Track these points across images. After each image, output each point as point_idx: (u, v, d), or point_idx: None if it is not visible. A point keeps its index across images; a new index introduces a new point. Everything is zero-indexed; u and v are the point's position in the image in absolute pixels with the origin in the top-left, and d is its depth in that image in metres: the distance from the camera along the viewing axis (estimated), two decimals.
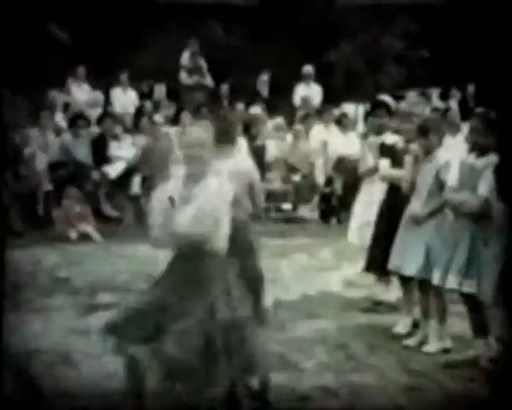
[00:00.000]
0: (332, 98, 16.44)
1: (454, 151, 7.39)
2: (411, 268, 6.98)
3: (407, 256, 7.03)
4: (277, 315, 8.02)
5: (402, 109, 8.45)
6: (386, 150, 8.03)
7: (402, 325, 7.49)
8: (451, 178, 6.72)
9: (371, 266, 7.98)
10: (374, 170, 8.34)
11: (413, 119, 7.62)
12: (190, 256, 5.01)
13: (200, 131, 5.26)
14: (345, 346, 7.04)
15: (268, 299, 8.47)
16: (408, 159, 7.37)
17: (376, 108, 8.72)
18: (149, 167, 13.34)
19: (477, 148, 6.55)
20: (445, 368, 6.44)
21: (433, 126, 7.12)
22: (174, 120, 14.98)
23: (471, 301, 6.54)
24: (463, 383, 6.17)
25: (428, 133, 7.01)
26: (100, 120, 14.39)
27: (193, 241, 4.96)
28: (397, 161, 7.73)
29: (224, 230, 5.02)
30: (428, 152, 7.05)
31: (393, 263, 7.24)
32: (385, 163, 7.97)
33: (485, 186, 6.30)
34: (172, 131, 14.34)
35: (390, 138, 8.19)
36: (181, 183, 5.11)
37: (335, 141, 14.38)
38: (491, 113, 6.60)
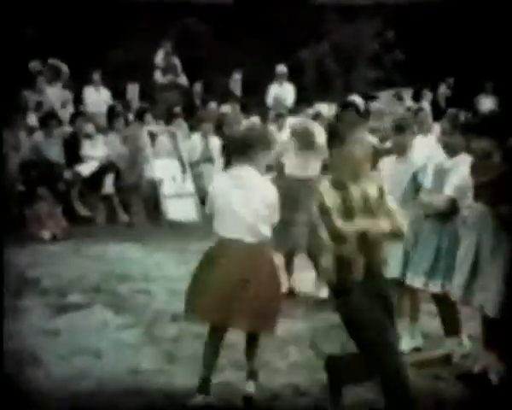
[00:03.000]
0: (304, 98, 16.43)
1: (426, 152, 7.39)
2: None
3: None
4: None
5: (376, 108, 8.47)
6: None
7: None
8: (427, 180, 6.74)
9: None
10: None
11: (386, 117, 7.63)
12: None
13: None
14: (316, 345, 7.05)
15: None
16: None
17: (345, 109, 8.72)
18: (123, 167, 13.34)
19: (448, 148, 6.59)
20: (415, 366, 6.46)
21: (408, 125, 7.16)
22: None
23: (441, 300, 6.59)
24: (433, 382, 6.21)
25: (404, 131, 7.03)
26: (72, 120, 14.31)
27: None
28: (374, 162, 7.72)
29: None
30: (401, 151, 7.06)
31: None
32: None
33: (451, 186, 6.37)
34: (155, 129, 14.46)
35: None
36: None
37: None
38: (461, 113, 6.65)
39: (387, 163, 7.18)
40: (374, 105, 8.83)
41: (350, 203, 5.08)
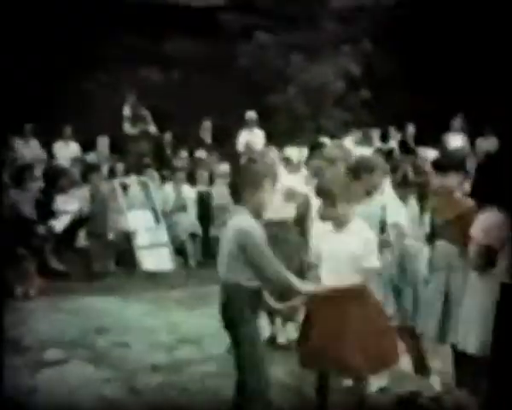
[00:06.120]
0: (275, 142, 16.54)
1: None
2: None
3: None
4: None
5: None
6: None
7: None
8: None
9: None
10: None
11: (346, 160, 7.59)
12: None
13: None
14: None
15: None
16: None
17: (315, 151, 8.72)
18: (95, 219, 13.38)
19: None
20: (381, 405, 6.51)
21: (366, 167, 7.02)
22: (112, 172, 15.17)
23: (413, 339, 6.65)
24: None
25: (360, 173, 6.90)
26: (44, 174, 14.34)
27: None
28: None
29: None
30: (367, 193, 6.98)
31: None
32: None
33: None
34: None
35: None
36: None
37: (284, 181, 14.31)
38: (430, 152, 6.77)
39: None
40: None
41: None
